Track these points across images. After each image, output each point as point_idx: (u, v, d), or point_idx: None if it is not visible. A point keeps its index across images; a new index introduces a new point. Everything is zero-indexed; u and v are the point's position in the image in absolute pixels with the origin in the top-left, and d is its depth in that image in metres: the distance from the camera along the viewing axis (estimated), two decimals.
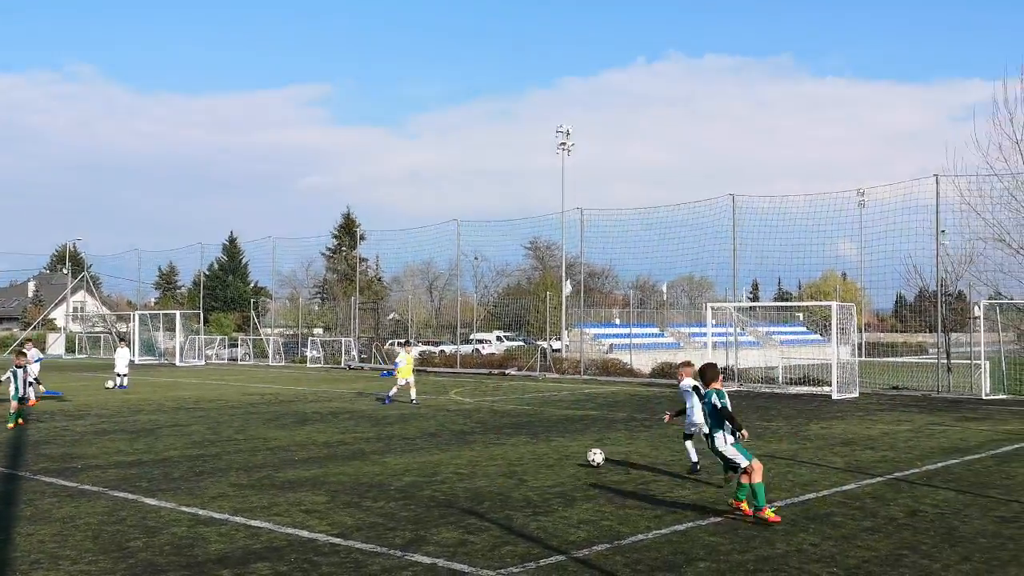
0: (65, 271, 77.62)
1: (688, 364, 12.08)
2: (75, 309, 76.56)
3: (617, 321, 49.76)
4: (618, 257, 42.72)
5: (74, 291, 73.66)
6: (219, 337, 55.90)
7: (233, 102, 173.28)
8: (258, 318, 55.99)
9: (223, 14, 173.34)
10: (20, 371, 18.00)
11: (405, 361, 23.57)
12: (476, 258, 55.95)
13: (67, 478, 11.45)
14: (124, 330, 61.23)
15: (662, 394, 25.35)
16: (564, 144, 41.48)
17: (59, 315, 78.14)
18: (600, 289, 59.68)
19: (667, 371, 32.99)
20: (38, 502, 9.92)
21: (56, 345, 66.48)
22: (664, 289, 56.68)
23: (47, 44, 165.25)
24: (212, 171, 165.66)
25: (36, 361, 23.53)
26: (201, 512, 9.33)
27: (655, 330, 49.28)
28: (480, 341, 52.27)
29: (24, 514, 9.31)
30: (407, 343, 30.50)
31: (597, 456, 12.20)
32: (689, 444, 11.79)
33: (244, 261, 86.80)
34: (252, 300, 60.30)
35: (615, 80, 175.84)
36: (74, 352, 62.02)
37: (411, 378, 23.35)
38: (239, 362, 50.51)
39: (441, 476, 11.61)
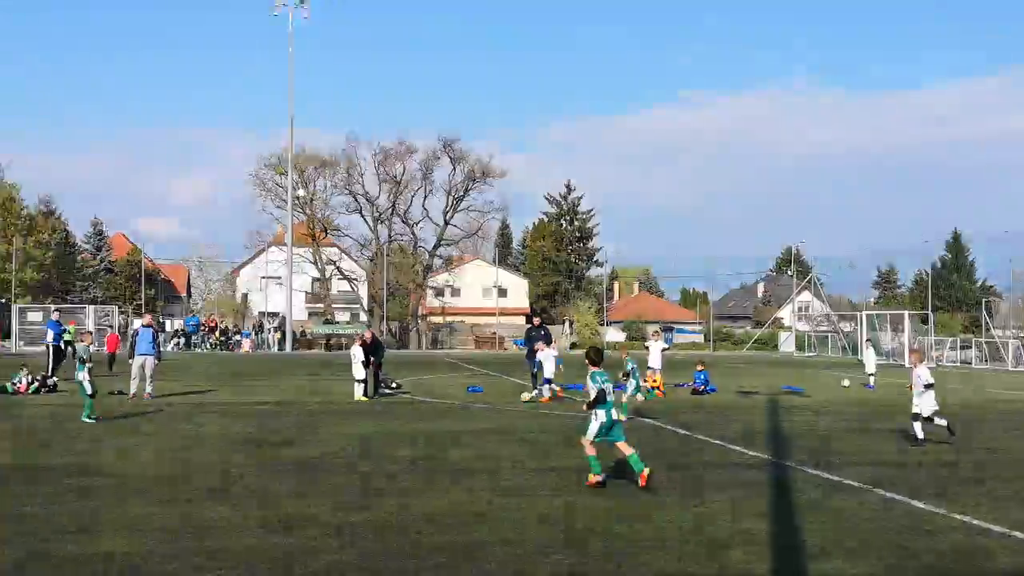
0: (790, 273, 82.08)
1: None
2: (800, 309, 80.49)
3: None
4: None
5: (799, 292, 77.48)
6: (948, 338, 53.55)
7: (947, 94, 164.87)
8: (989, 318, 52.21)
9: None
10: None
11: None
12: None
13: (828, 471, 12.03)
14: (848, 330, 62.44)
15: None
16: None
17: (786, 314, 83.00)
18: None
19: None
20: (809, 492, 10.61)
21: (786, 343, 70.67)
22: None
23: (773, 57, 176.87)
24: (927, 165, 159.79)
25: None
26: (974, 522, 9.01)
27: None
28: None
29: (799, 502, 10.05)
30: None
31: None
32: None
33: (971, 259, 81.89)
34: (983, 300, 56.57)
35: None
36: (802, 350, 65.12)
37: None
38: (972, 365, 47.73)
39: None
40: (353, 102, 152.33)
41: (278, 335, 59.97)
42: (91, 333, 22.76)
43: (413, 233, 74.20)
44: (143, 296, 67.33)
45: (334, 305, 76.49)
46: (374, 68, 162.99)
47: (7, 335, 52.09)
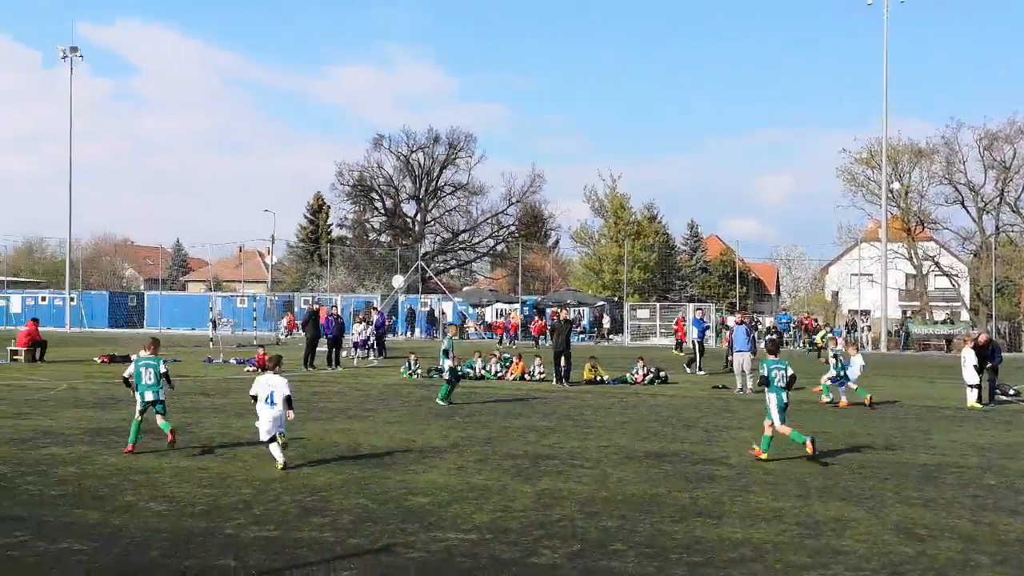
0: None
1: None
2: None
3: None
4: None
5: None
6: None
7: None
8: None
9: None
10: None
11: None
12: None
13: None
14: None
15: None
16: None
17: None
18: None
19: None
20: None
21: None
22: None
23: None
24: None
25: None
26: None
27: None
28: None
29: None
30: None
31: None
32: None
33: None
34: None
35: None
36: None
37: None
38: None
39: None
40: (954, 84, 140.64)
41: (872, 334, 58.05)
42: (456, 327, 23.68)
43: None
44: (736, 295, 70.07)
45: (931, 303, 71.66)
46: (978, 44, 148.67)
47: (620, 330, 58.26)
